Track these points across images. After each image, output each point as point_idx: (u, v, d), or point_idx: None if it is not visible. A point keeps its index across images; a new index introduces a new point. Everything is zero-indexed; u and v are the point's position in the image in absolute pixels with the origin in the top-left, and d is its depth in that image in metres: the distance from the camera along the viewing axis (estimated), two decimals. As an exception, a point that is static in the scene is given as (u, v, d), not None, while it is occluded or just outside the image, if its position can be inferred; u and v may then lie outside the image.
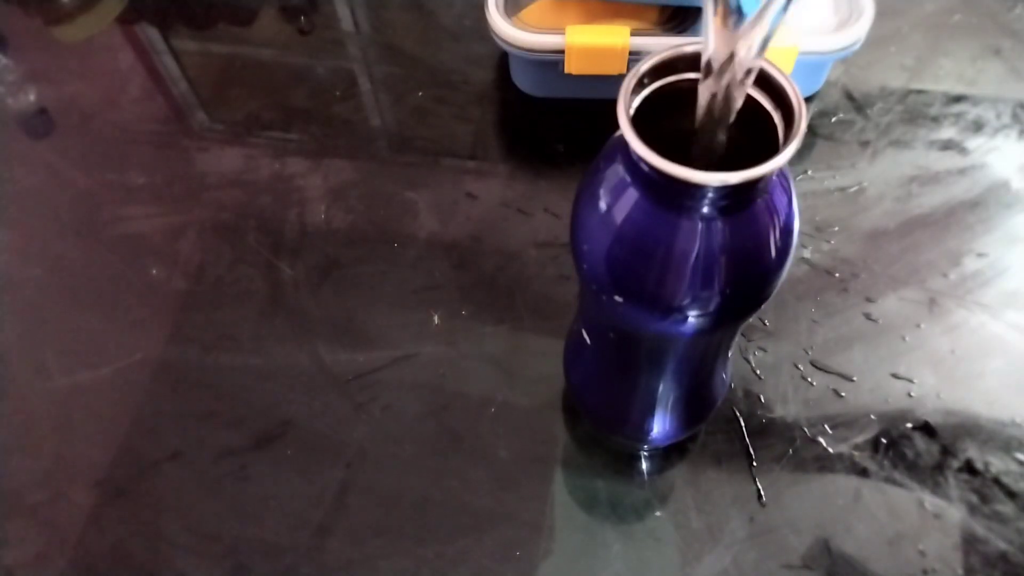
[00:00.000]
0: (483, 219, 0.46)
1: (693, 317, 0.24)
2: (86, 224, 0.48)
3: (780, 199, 0.23)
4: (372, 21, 0.58)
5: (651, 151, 0.20)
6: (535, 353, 0.41)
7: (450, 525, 0.37)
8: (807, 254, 0.44)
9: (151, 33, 0.58)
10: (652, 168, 0.20)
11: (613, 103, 0.21)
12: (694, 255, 0.22)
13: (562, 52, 0.45)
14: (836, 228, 0.45)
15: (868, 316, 0.41)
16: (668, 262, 0.22)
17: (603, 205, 0.23)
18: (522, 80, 0.51)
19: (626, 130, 0.20)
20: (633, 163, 0.21)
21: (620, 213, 0.23)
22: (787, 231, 0.23)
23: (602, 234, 0.24)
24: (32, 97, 0.55)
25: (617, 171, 0.23)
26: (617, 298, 0.25)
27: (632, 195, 0.22)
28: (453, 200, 0.47)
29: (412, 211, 0.47)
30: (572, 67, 0.46)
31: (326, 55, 0.56)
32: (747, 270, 0.23)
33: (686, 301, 0.23)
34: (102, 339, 0.43)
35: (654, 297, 0.24)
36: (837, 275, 0.43)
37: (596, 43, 0.44)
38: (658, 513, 0.36)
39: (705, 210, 0.21)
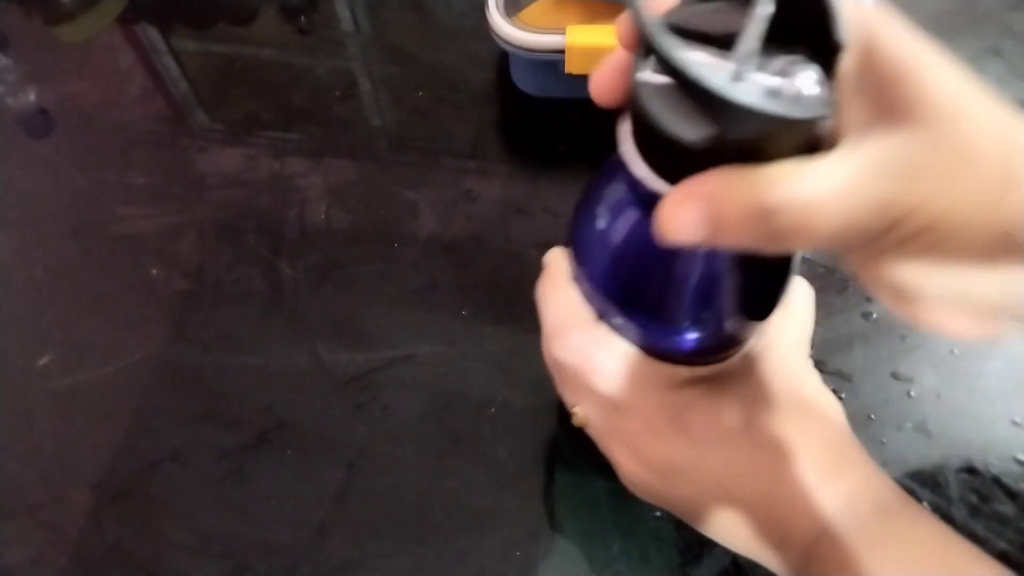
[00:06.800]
0: (483, 219, 0.46)
1: (694, 336, 0.24)
2: (86, 224, 0.48)
3: None
4: (372, 21, 0.58)
5: (652, 173, 0.19)
6: (535, 353, 0.41)
7: (450, 525, 0.37)
8: (807, 254, 0.44)
9: (151, 33, 0.58)
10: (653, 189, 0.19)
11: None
12: (697, 274, 0.22)
13: (562, 52, 0.45)
14: (836, 228, 0.45)
15: (867, 316, 0.41)
16: (669, 280, 0.22)
17: (602, 223, 0.23)
18: (522, 80, 0.51)
19: (627, 152, 0.19)
20: (634, 181, 0.21)
21: (620, 231, 0.22)
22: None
23: (602, 252, 0.23)
24: (32, 97, 0.55)
25: (617, 189, 0.22)
26: (617, 320, 0.24)
27: (633, 214, 0.21)
28: (453, 200, 0.47)
29: (412, 211, 0.47)
30: (572, 67, 0.46)
31: (326, 55, 0.56)
32: (751, 288, 0.23)
33: (686, 322, 0.23)
34: (102, 339, 0.43)
35: (655, 316, 0.23)
36: (837, 275, 0.43)
37: (596, 43, 0.44)
38: (658, 513, 0.36)
39: None
